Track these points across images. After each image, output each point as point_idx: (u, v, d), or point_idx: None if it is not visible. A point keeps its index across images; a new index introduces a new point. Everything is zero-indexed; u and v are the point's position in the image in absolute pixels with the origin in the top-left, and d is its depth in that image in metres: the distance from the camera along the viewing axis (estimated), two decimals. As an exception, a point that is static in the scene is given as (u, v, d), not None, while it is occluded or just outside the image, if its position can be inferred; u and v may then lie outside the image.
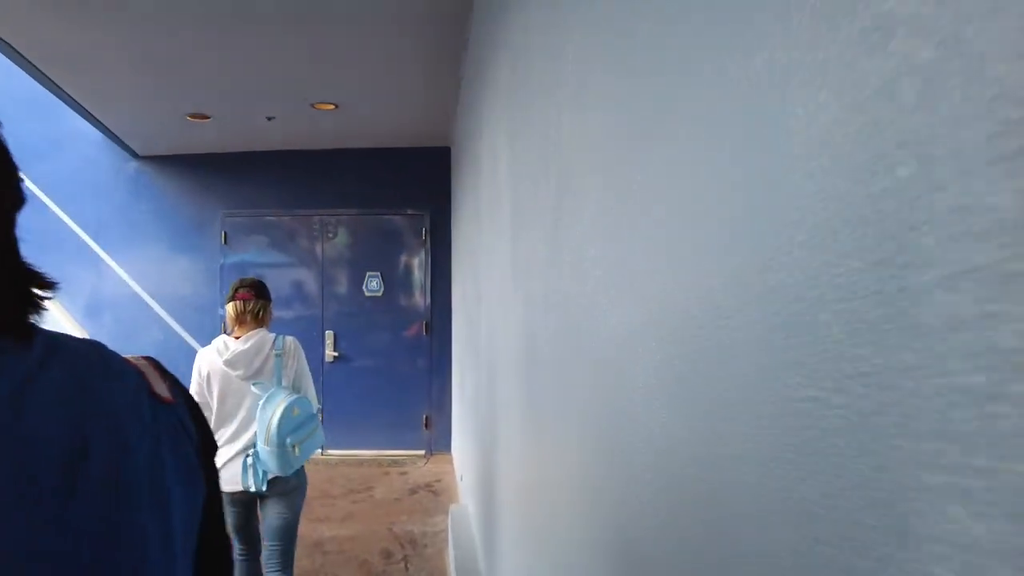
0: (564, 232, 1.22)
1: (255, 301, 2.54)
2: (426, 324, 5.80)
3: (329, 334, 5.76)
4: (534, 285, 1.52)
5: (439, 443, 5.80)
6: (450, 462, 5.55)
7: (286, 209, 5.99)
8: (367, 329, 5.80)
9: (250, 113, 4.80)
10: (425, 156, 5.86)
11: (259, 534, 2.57)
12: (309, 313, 5.85)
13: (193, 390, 2.46)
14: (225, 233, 6.02)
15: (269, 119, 4.90)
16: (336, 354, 5.76)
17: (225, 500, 2.27)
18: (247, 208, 6.04)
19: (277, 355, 2.49)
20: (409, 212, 5.85)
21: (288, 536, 2.54)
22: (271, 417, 2.33)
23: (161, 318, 6.08)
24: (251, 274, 5.85)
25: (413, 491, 4.82)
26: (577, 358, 1.13)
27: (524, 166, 1.62)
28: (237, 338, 2.52)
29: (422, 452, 5.78)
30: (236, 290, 2.57)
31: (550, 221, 1.34)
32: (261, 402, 2.38)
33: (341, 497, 4.71)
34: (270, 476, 2.41)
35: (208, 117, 4.86)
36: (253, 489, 2.40)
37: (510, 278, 1.91)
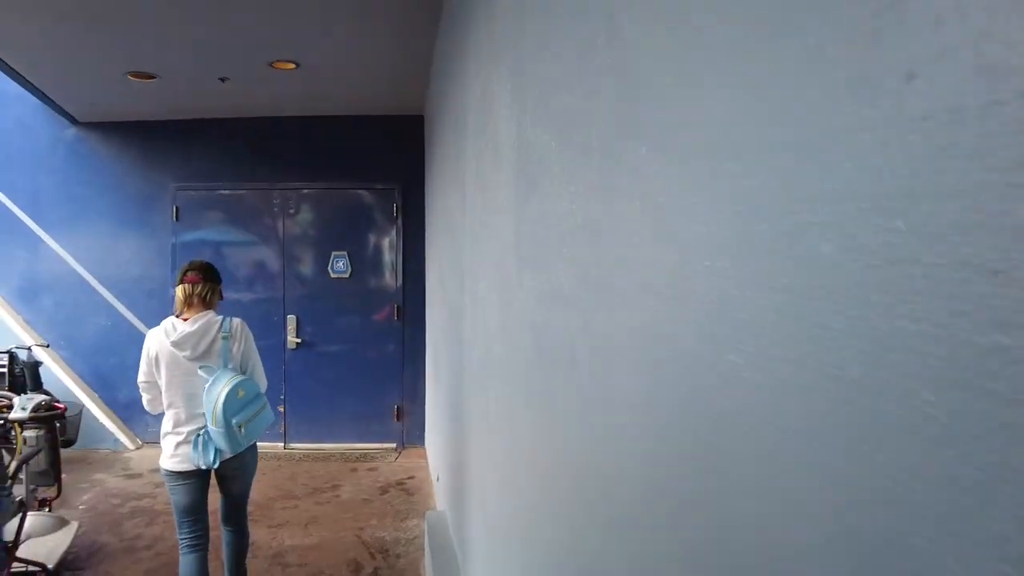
0: (611, 208, 0.84)
1: (203, 284, 2.61)
2: (398, 308, 5.39)
3: (291, 319, 5.31)
4: (556, 274, 1.14)
5: (412, 436, 5.42)
6: (424, 456, 5.17)
7: (244, 182, 5.50)
8: (333, 313, 5.36)
9: (201, 73, 4.30)
10: (396, 124, 5.41)
11: (208, 519, 2.62)
12: (269, 296, 5.39)
13: (142, 370, 2.58)
14: (177, 208, 5.51)
15: (222, 80, 4.41)
16: (299, 340, 5.32)
17: (176, 478, 2.48)
18: (200, 181, 5.53)
19: (224, 337, 2.54)
20: (379, 186, 5.40)
21: (244, 498, 2.72)
22: (216, 399, 2.38)
23: (108, 302, 5.57)
24: (206, 253, 5.40)
25: (384, 490, 4.44)
26: (626, 361, 0.77)
27: (542, 123, 1.22)
28: (185, 320, 2.57)
29: (393, 445, 5.40)
30: (184, 273, 2.63)
31: (584, 190, 0.96)
32: (207, 384, 2.44)
33: (305, 498, 4.31)
34: (223, 456, 2.48)
35: (153, 77, 4.34)
36: (203, 466, 2.45)
37: (512, 264, 1.52)
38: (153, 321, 5.24)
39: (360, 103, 5.10)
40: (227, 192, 5.51)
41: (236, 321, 2.63)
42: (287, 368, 5.36)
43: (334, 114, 5.38)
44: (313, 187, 5.43)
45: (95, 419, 5.43)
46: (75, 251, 5.58)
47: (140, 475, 4.75)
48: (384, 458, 5.16)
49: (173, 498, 2.54)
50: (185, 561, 2.55)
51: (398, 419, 5.40)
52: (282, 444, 5.40)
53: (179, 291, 2.63)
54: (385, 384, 5.39)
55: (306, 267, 5.39)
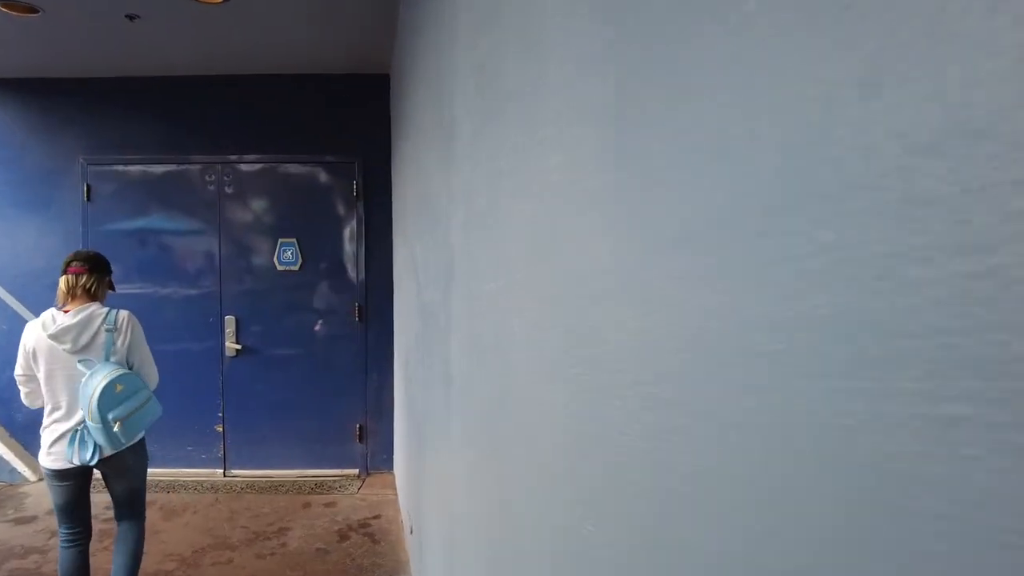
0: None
1: (88, 276, 2.47)
2: (359, 308, 4.49)
3: (230, 320, 4.37)
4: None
5: (377, 460, 4.54)
6: (391, 484, 4.31)
7: (170, 155, 4.52)
8: (281, 313, 4.44)
9: (100, 7, 3.33)
10: (355, 85, 4.49)
11: (90, 516, 2.55)
12: (203, 293, 4.44)
13: (18, 363, 2.46)
14: (88, 187, 4.52)
15: (130, 18, 3.44)
16: (239, 347, 4.38)
17: (52, 477, 2.39)
18: (117, 153, 4.54)
19: (108, 330, 2.42)
20: (334, 159, 4.48)
21: (136, 499, 2.56)
22: (92, 393, 2.28)
23: (2, 301, 4.54)
24: (125, 241, 4.44)
25: (343, 535, 3.57)
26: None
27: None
28: (67, 312, 2.44)
29: (355, 471, 4.51)
30: (68, 263, 2.49)
31: None
32: (84, 378, 2.34)
33: (243, 548, 3.41)
34: (106, 453, 2.37)
35: (36, 11, 3.36)
36: (77, 462, 2.34)
37: (533, 250, 0.70)
38: None
39: (309, 57, 4.17)
40: (150, 167, 4.53)
41: (123, 313, 2.49)
42: (225, 379, 4.43)
43: (278, 72, 4.43)
44: (255, 161, 4.48)
45: (-14, 444, 4.43)
46: (-40, 238, 4.55)
47: (34, 518, 3.79)
48: (344, 488, 4.28)
49: (51, 496, 2.46)
50: (63, 556, 2.50)
51: (360, 440, 4.51)
52: (221, 471, 4.47)
53: (62, 282, 2.48)
54: (345, 398, 4.50)
55: (248, 258, 4.45)
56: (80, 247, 4.47)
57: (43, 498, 4.10)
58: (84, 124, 4.55)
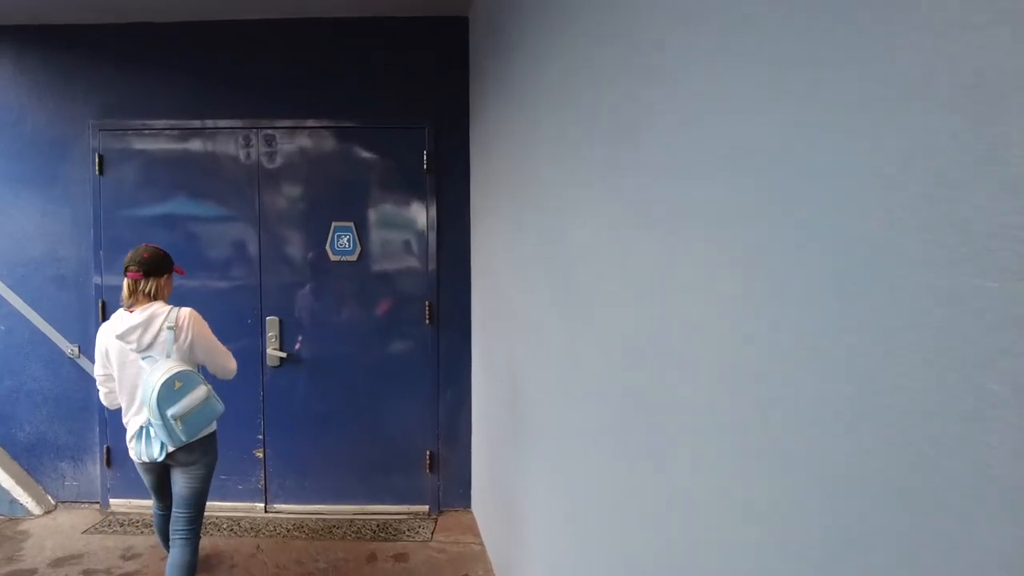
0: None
1: (145, 280, 2.46)
2: (429, 307, 3.63)
3: (272, 322, 3.54)
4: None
5: (453, 495, 3.71)
6: (472, 528, 3.48)
7: (200, 118, 3.68)
8: (334, 313, 3.60)
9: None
10: (424, 30, 3.62)
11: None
12: (237, 289, 3.62)
13: (97, 363, 2.52)
14: (100, 157, 3.70)
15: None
16: (283, 354, 3.56)
17: (139, 468, 2.58)
18: (133, 116, 3.71)
19: (169, 328, 2.42)
20: (398, 124, 3.61)
21: (193, 504, 2.53)
22: (151, 390, 2.33)
23: (0, 297, 3.76)
24: (144, 229, 3.64)
25: (423, 609, 2.74)
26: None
27: None
28: (132, 312, 2.45)
29: (424, 508, 3.68)
30: (127, 268, 2.47)
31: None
32: (144, 375, 2.40)
33: (295, 627, 2.60)
34: (171, 448, 2.43)
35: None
36: (147, 459, 2.45)
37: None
38: (69, 322, 3.57)
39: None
40: (174, 134, 3.69)
41: (184, 311, 2.47)
42: (266, 394, 3.61)
43: (329, 15, 3.57)
44: (303, 126, 3.63)
45: (-19, 469, 3.67)
46: (-52, 220, 3.77)
47: (33, 572, 3.01)
48: (414, 533, 3.45)
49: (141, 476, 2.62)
50: (157, 519, 2.80)
51: (431, 471, 3.68)
52: (262, 505, 3.67)
53: (124, 286, 2.48)
54: (412, 419, 3.66)
55: (295, 246, 3.60)
56: (91, 231, 3.68)
57: (47, 540, 3.33)
58: (94, 81, 3.72)
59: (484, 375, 3.29)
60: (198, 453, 2.50)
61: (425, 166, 3.59)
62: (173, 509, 2.55)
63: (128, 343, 2.41)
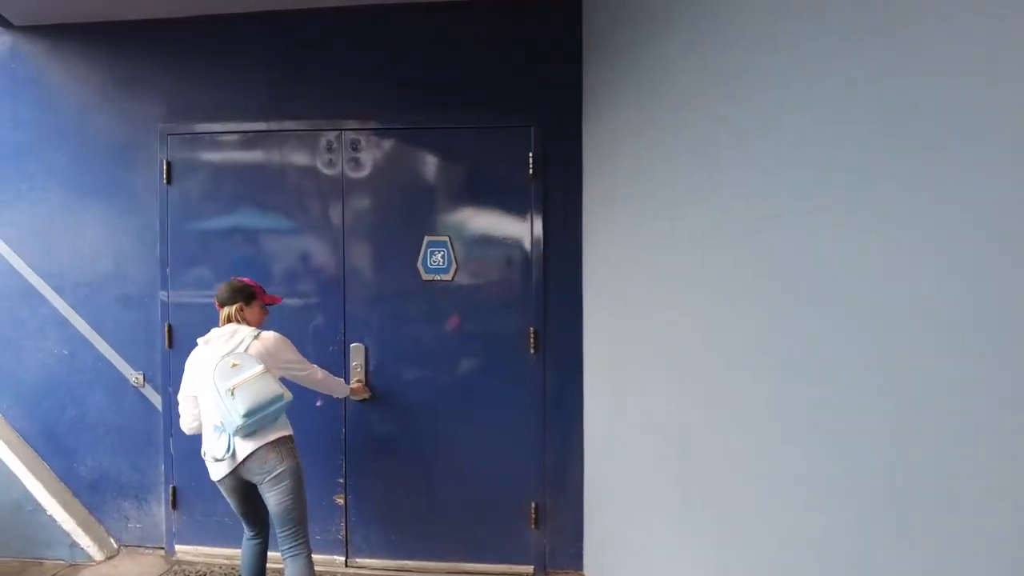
0: None
1: (228, 308, 2.57)
2: (534, 333, 3.12)
3: (356, 350, 3.09)
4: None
5: (562, 554, 3.18)
6: (588, 597, 2.94)
7: (275, 118, 3.28)
8: (425, 341, 3.12)
9: None
10: (530, 14, 3.12)
11: (263, 518, 2.63)
12: (318, 312, 3.19)
13: (183, 382, 2.54)
14: (168, 164, 3.33)
15: None
16: (367, 393, 3.10)
17: (219, 487, 2.50)
18: (204, 119, 3.33)
19: (253, 337, 2.48)
20: (500, 124, 3.12)
21: (290, 520, 2.44)
22: (209, 371, 2.39)
23: (62, 316, 3.44)
24: (214, 243, 3.26)
25: None
26: None
27: None
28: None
29: (529, 570, 3.16)
30: (216, 298, 2.62)
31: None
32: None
33: None
34: (243, 452, 2.38)
35: None
36: (219, 456, 2.40)
37: None
38: (134, 347, 3.24)
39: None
40: (248, 135, 3.30)
41: (264, 334, 2.51)
42: (349, 432, 3.16)
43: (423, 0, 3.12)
44: (391, 128, 3.18)
45: (39, 509, 3.34)
46: (7, 234, 3.47)
47: (92, 640, 2.62)
48: (518, 600, 2.94)
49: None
50: (244, 548, 2.66)
51: (536, 525, 3.16)
52: (343, 558, 3.22)
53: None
54: (513, 464, 3.15)
55: (382, 264, 3.15)
56: (158, 246, 3.32)
57: (108, 597, 2.95)
58: (162, 81, 3.37)
59: (609, 419, 2.76)
60: (273, 460, 2.39)
61: (531, 170, 3.09)
62: (275, 531, 2.48)
63: (213, 348, 2.45)
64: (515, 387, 3.13)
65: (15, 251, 3.46)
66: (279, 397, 2.35)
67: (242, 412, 2.29)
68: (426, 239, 3.07)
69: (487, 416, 3.14)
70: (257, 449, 2.39)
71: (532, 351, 3.12)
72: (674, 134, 1.93)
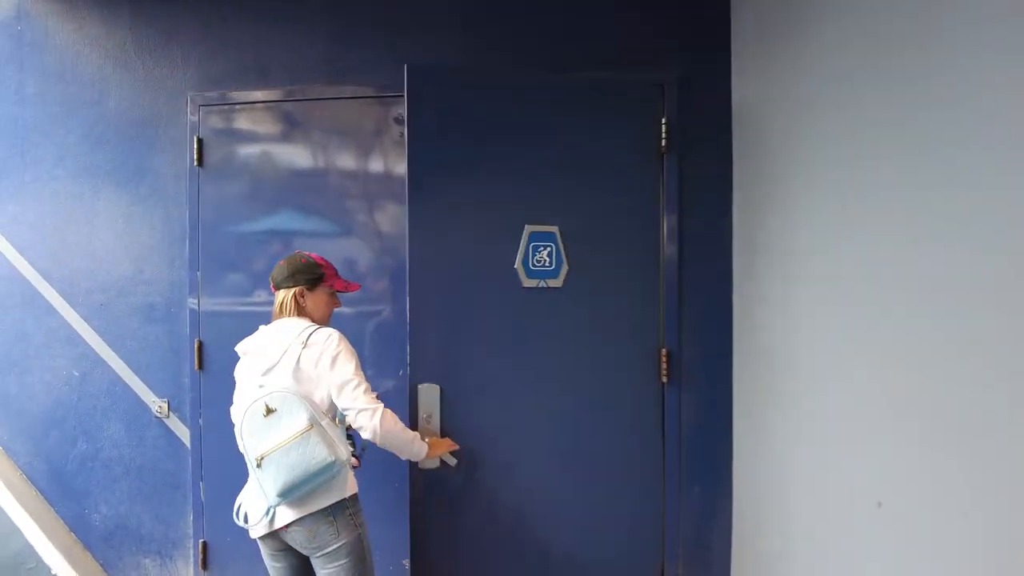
0: None
1: (283, 292, 1.95)
2: (666, 357, 2.37)
3: (428, 393, 2.32)
4: None
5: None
6: None
7: (331, 82, 2.61)
8: (526, 371, 2.36)
9: None
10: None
11: None
12: (371, 330, 2.49)
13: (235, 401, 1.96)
14: (199, 143, 2.69)
15: None
16: (447, 447, 2.35)
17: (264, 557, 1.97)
18: (245, 86, 2.68)
19: (301, 345, 1.82)
20: (618, 78, 2.37)
21: None
22: (239, 420, 1.81)
23: (71, 329, 2.82)
24: (253, 241, 2.59)
25: None
26: None
27: None
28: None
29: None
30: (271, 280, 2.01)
31: None
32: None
33: None
34: (285, 519, 1.79)
35: None
36: (251, 522, 1.83)
37: None
38: (156, 369, 2.68)
39: None
40: (296, 104, 2.63)
41: (325, 330, 1.86)
42: (415, 474, 2.45)
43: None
44: (475, 84, 2.46)
45: (42, 566, 2.71)
46: (10, 231, 2.86)
47: None
48: None
49: None
50: None
51: (669, 605, 2.40)
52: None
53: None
54: (633, 521, 2.40)
55: (467, 265, 2.41)
56: (187, 242, 2.68)
57: None
58: (194, 41, 2.74)
59: (756, 451, 2.00)
60: (326, 534, 1.80)
61: (664, 141, 2.35)
62: None
63: (252, 359, 1.89)
64: (640, 423, 2.39)
65: (19, 251, 2.85)
66: (328, 466, 1.74)
67: (274, 492, 1.74)
68: (527, 230, 2.32)
69: (601, 458, 2.39)
70: (304, 517, 1.80)
71: (664, 379, 2.38)
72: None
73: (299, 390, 1.78)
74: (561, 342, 2.29)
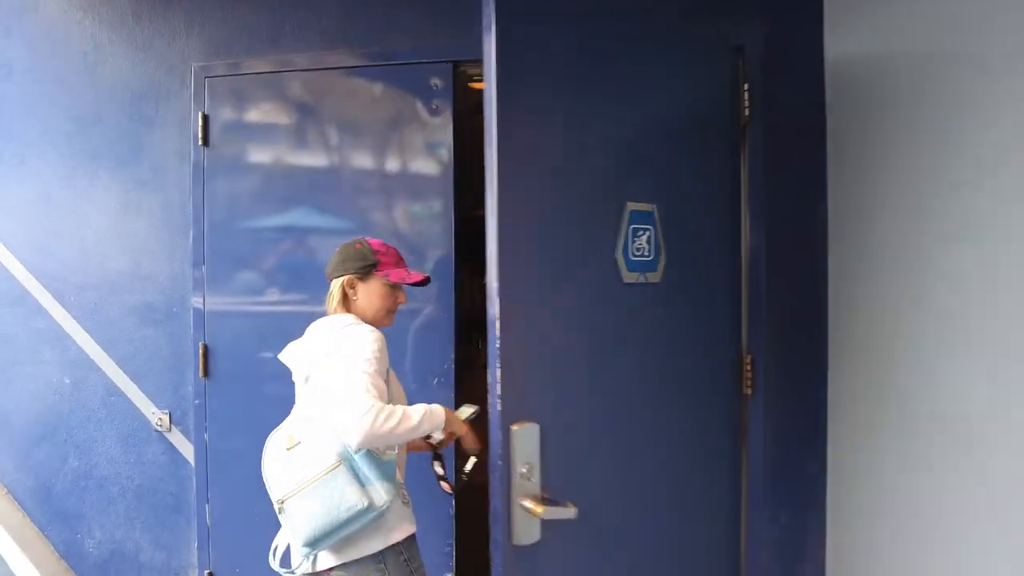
0: None
1: (333, 283, 1.64)
2: (750, 364, 2.01)
3: (528, 436, 1.50)
4: None
5: None
6: None
7: (363, 45, 2.27)
8: (630, 393, 1.88)
9: None
10: None
11: None
12: (422, 344, 2.16)
13: None
14: (204, 119, 2.35)
15: None
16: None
17: None
18: (254, 53, 2.35)
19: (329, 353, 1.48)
20: (693, 39, 1.99)
21: None
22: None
23: (60, 329, 2.50)
24: (265, 236, 2.21)
25: None
26: None
27: None
28: None
29: None
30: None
31: None
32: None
33: None
34: (326, 564, 1.46)
35: None
36: (291, 568, 1.49)
37: None
38: (156, 376, 2.37)
39: None
40: (317, 73, 2.30)
41: (362, 328, 1.51)
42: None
43: None
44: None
45: (29, 600, 2.39)
46: (-7, 218, 2.55)
47: None
48: None
49: None
50: None
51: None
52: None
53: None
54: (705, 552, 2.03)
55: (561, 254, 1.83)
56: (191, 233, 2.36)
57: None
58: (200, 4, 2.40)
59: (911, 502, 1.64)
60: None
61: (746, 111, 1.99)
62: None
63: (291, 366, 1.64)
64: (713, 442, 2.02)
65: (3, 242, 2.54)
66: (360, 513, 1.38)
67: (300, 542, 1.42)
68: (629, 208, 1.77)
69: (675, 483, 2.03)
70: (348, 563, 1.46)
71: (746, 390, 2.02)
72: None
73: (330, 418, 1.45)
74: (654, 356, 1.87)
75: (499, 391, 1.41)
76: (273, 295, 2.34)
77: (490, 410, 1.43)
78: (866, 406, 1.87)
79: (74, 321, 2.48)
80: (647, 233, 1.76)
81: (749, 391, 2.02)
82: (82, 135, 2.48)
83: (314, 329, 1.62)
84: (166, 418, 2.41)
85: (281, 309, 2.34)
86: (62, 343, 2.49)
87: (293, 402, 1.62)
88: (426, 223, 2.25)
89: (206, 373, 2.36)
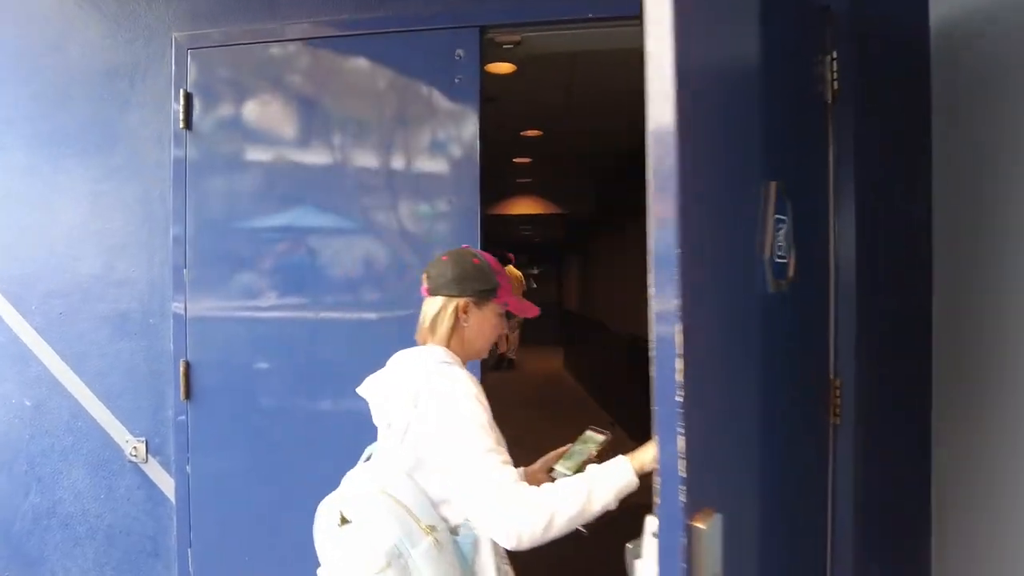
0: None
1: (441, 301, 1.31)
2: (839, 388, 1.67)
3: (711, 537, 0.84)
4: None
5: None
6: None
7: (368, 10, 1.94)
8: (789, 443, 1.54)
9: None
10: None
11: None
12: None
13: None
14: (186, 98, 2.02)
15: None
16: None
17: None
18: (244, 20, 2.02)
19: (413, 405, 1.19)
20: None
21: None
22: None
23: (20, 342, 2.15)
24: (264, 238, 1.84)
25: None
26: None
27: None
28: None
29: None
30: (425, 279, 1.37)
31: None
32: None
33: None
34: None
35: None
36: None
37: None
38: (130, 398, 2.00)
39: None
40: (320, 42, 1.97)
41: (445, 380, 1.19)
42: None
43: None
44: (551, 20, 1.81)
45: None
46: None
47: None
48: None
49: None
50: None
51: None
52: None
53: None
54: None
55: (723, 258, 1.14)
56: (171, 228, 2.03)
57: None
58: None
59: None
60: None
61: (834, 88, 1.65)
62: None
63: (370, 403, 1.30)
64: (800, 477, 1.69)
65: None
66: None
67: None
68: (774, 188, 1.34)
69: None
70: None
71: (834, 419, 1.68)
72: None
73: (396, 487, 1.15)
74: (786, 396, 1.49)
75: (684, 472, 0.86)
76: (268, 300, 2.00)
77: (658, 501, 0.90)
78: (981, 439, 1.55)
79: (36, 333, 2.14)
80: (783, 227, 1.39)
81: (837, 419, 1.69)
82: (48, 118, 2.15)
83: (398, 363, 1.30)
84: (142, 447, 2.07)
85: (276, 315, 2.00)
86: (23, 359, 2.15)
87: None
88: (451, 219, 1.92)
89: (188, 395, 2.02)
